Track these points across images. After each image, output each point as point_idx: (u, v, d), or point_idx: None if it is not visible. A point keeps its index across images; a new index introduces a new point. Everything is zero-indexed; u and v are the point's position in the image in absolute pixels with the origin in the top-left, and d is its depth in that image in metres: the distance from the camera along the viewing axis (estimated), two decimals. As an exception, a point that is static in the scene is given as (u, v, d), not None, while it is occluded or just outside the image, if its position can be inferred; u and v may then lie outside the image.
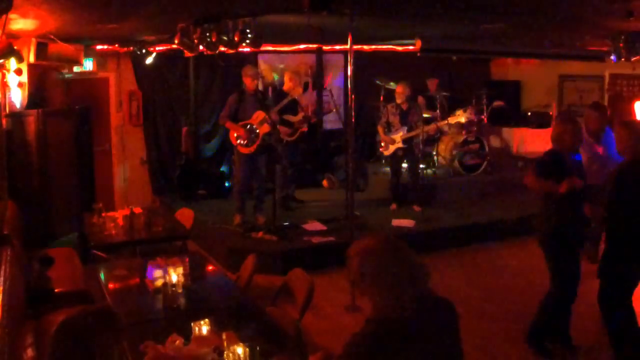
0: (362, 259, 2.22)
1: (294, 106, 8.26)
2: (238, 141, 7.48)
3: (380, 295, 2.17)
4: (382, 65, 10.22)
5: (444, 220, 7.94)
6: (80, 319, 2.23)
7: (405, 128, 8.24)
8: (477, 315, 5.45)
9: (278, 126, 8.02)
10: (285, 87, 8.24)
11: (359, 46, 9.14)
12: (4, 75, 6.46)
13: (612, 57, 6.88)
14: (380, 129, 8.45)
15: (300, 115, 8.25)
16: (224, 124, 7.63)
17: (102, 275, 4.47)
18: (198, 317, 3.21)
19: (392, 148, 8.33)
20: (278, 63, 10.19)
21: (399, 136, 8.26)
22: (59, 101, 7.45)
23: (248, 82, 7.51)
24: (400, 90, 8.27)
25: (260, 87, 9.85)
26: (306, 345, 4.13)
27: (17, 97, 6.69)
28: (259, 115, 7.44)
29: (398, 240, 2.27)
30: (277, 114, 7.81)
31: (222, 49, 5.46)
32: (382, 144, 8.49)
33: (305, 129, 8.31)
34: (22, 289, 4.43)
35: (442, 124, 8.79)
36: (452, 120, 8.90)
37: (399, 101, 8.31)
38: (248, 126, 7.42)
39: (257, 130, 7.44)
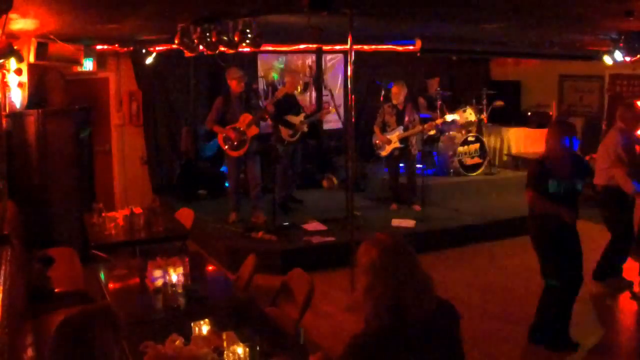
0: (366, 252, 2.21)
1: (295, 107, 8.29)
2: (226, 145, 7.49)
3: (384, 295, 2.15)
4: (382, 65, 10.22)
5: (444, 220, 7.94)
6: (80, 318, 2.23)
7: (402, 128, 8.25)
8: (477, 315, 5.45)
9: (280, 127, 8.04)
10: (288, 87, 8.27)
11: (359, 46, 9.14)
12: (4, 75, 6.46)
13: (613, 57, 6.89)
14: (376, 129, 8.45)
15: (302, 116, 8.27)
16: (212, 129, 7.65)
17: (102, 275, 4.48)
18: (198, 317, 3.21)
19: (388, 148, 8.34)
20: (278, 63, 10.20)
21: (395, 136, 8.27)
22: (59, 101, 7.44)
23: (234, 85, 7.51)
24: (396, 90, 8.28)
25: (261, 87, 9.90)
26: (306, 345, 4.13)
27: (17, 97, 6.69)
28: (246, 118, 7.45)
29: (409, 245, 2.27)
30: (272, 105, 7.85)
31: (222, 49, 5.45)
32: (379, 143, 8.48)
33: (305, 129, 8.33)
34: (22, 289, 4.43)
35: (440, 121, 8.79)
36: (448, 117, 8.91)
37: (395, 101, 8.32)
38: (236, 130, 7.43)
39: (246, 134, 7.44)
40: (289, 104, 8.21)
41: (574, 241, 4.71)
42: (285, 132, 8.12)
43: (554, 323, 4.79)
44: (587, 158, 8.02)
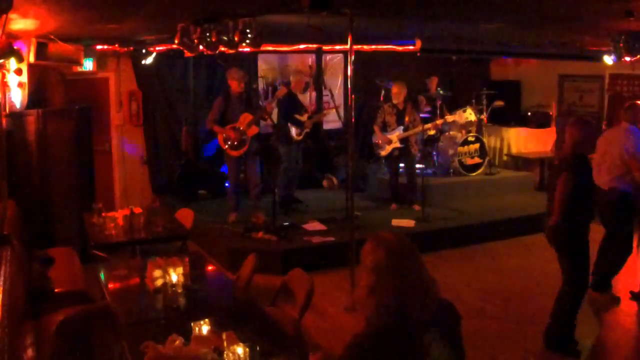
0: (372, 250, 2.19)
1: (299, 106, 8.30)
2: (226, 145, 7.50)
3: (389, 295, 2.14)
4: (382, 65, 10.22)
5: (444, 220, 7.94)
6: (80, 318, 2.23)
7: (402, 127, 8.25)
8: (477, 315, 5.45)
9: (290, 125, 8.06)
10: (293, 87, 8.28)
11: (359, 46, 9.14)
12: (4, 75, 6.46)
13: (612, 57, 6.88)
14: (376, 129, 8.46)
15: (305, 116, 8.29)
16: (211, 128, 7.65)
17: (102, 275, 4.48)
18: (198, 317, 3.21)
19: (388, 148, 8.34)
20: (278, 63, 10.21)
21: (395, 136, 8.27)
22: (59, 101, 7.44)
23: (234, 85, 7.52)
24: (396, 90, 8.28)
25: (261, 87, 9.91)
26: (306, 345, 4.13)
27: (17, 97, 6.69)
28: (246, 117, 7.45)
29: (412, 247, 2.25)
30: (274, 104, 7.87)
31: (222, 49, 5.45)
32: (379, 143, 8.49)
33: (309, 128, 8.36)
34: (22, 289, 4.43)
35: (440, 122, 8.80)
36: (449, 118, 8.91)
37: (395, 101, 8.32)
38: (236, 129, 7.43)
39: (246, 133, 7.45)
40: (294, 103, 8.22)
41: (586, 245, 4.70)
42: (294, 131, 8.14)
43: (566, 326, 4.75)
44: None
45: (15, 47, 5.94)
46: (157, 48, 8.64)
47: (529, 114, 10.80)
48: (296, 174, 8.66)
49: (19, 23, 5.24)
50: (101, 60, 8.89)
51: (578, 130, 4.61)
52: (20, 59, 6.33)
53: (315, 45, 9.83)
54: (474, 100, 9.81)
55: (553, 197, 4.69)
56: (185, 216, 6.17)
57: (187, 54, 5.85)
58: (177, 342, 2.96)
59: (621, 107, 6.11)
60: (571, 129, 4.66)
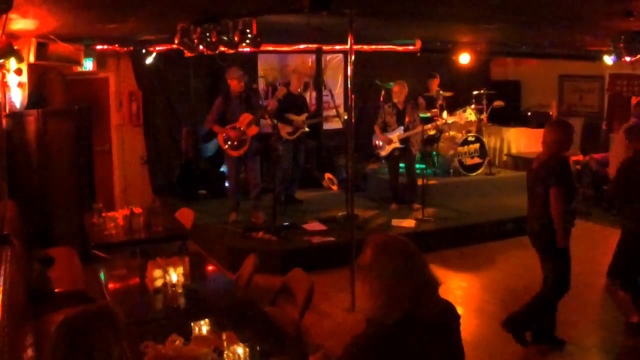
0: (383, 254, 2.18)
1: (299, 106, 8.29)
2: (226, 145, 7.50)
3: (389, 295, 2.14)
4: (382, 65, 10.22)
5: (444, 220, 7.94)
6: (80, 318, 2.23)
7: (402, 128, 8.25)
8: (477, 315, 5.45)
9: (279, 123, 8.06)
10: (292, 87, 8.28)
11: (359, 46, 9.15)
12: (4, 75, 6.46)
13: (612, 57, 6.89)
14: (377, 129, 8.46)
15: (304, 116, 8.27)
16: (211, 128, 7.66)
17: (102, 275, 4.48)
18: (198, 317, 3.21)
19: (389, 148, 8.34)
20: (278, 63, 10.21)
21: (395, 136, 8.27)
22: (59, 101, 7.44)
23: (234, 85, 7.52)
24: (397, 89, 8.28)
25: (261, 87, 9.91)
26: (306, 345, 4.13)
27: (17, 97, 6.69)
28: (246, 117, 7.45)
29: (417, 247, 2.25)
30: (275, 101, 7.90)
31: (222, 49, 5.45)
32: (379, 144, 8.49)
33: (306, 128, 8.34)
34: (22, 289, 4.43)
35: (440, 122, 8.80)
36: (450, 119, 8.92)
37: (395, 100, 8.32)
38: (236, 129, 7.43)
39: (246, 133, 7.45)
40: (291, 103, 8.22)
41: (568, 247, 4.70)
42: (283, 130, 8.12)
43: (542, 322, 4.80)
44: (587, 158, 7.99)
45: (15, 47, 5.94)
46: (157, 48, 8.65)
47: (529, 114, 10.81)
48: (296, 173, 8.65)
49: (19, 23, 5.24)
50: (101, 60, 8.89)
51: (560, 132, 4.57)
52: (20, 59, 6.33)
53: (315, 45, 9.83)
54: (474, 100, 9.82)
55: (533, 202, 4.71)
56: (185, 216, 6.17)
57: (187, 54, 5.84)
58: (177, 342, 2.96)
59: (620, 107, 6.15)
60: (553, 130, 4.62)
